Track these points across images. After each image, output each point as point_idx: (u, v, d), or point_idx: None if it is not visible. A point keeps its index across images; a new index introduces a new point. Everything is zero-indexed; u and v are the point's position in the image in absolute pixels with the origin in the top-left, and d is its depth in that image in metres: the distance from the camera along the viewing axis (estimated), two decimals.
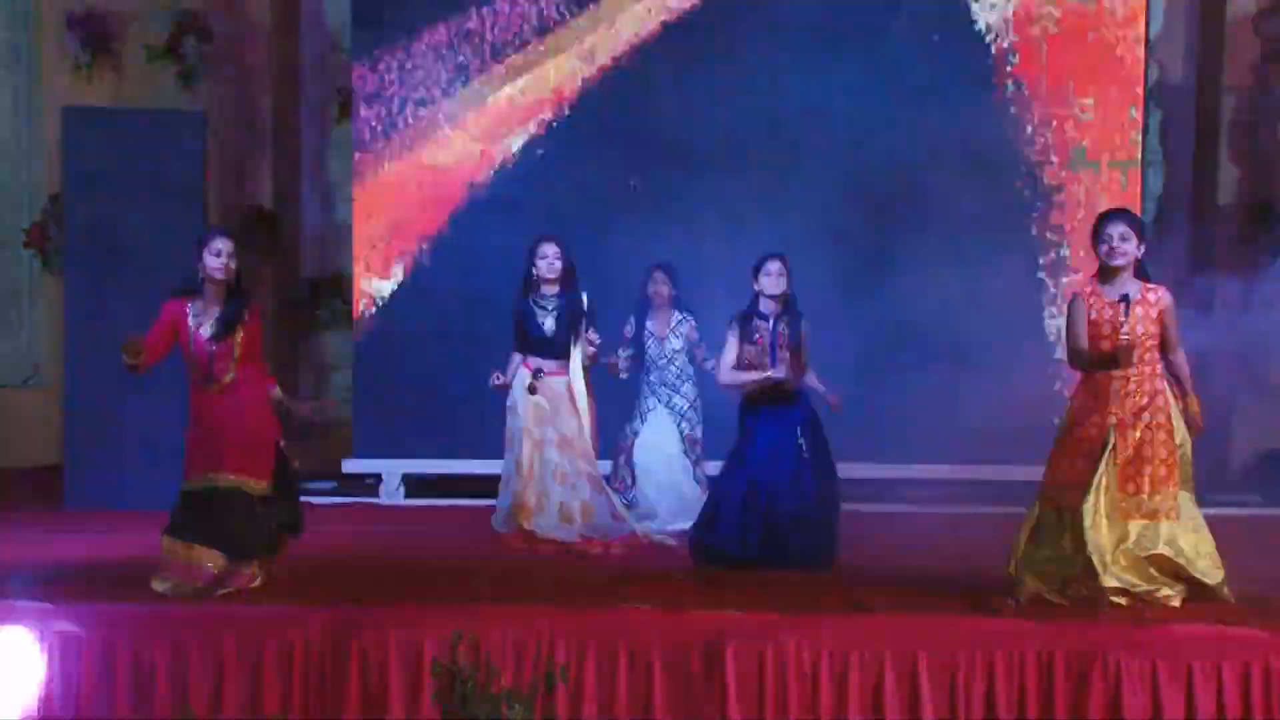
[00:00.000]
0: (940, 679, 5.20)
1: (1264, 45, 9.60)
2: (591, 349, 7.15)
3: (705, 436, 7.90)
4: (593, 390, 7.31)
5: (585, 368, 7.23)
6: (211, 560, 5.82)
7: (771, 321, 6.83)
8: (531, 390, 7.11)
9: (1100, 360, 5.77)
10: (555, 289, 7.14)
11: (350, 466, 9.29)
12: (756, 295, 6.88)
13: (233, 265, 6.00)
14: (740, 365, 6.82)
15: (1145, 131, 9.15)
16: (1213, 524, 8.03)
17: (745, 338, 6.84)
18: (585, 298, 7.18)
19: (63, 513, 8.19)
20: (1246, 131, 9.64)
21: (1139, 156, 9.13)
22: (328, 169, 10.20)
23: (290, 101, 10.29)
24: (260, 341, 6.12)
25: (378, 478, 9.15)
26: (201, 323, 5.97)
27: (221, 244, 6.00)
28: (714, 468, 7.30)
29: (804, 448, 6.69)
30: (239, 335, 5.95)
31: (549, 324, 7.15)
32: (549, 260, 7.08)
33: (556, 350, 7.17)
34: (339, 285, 9.90)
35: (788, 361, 6.75)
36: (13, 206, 10.20)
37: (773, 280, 6.82)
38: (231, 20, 9.92)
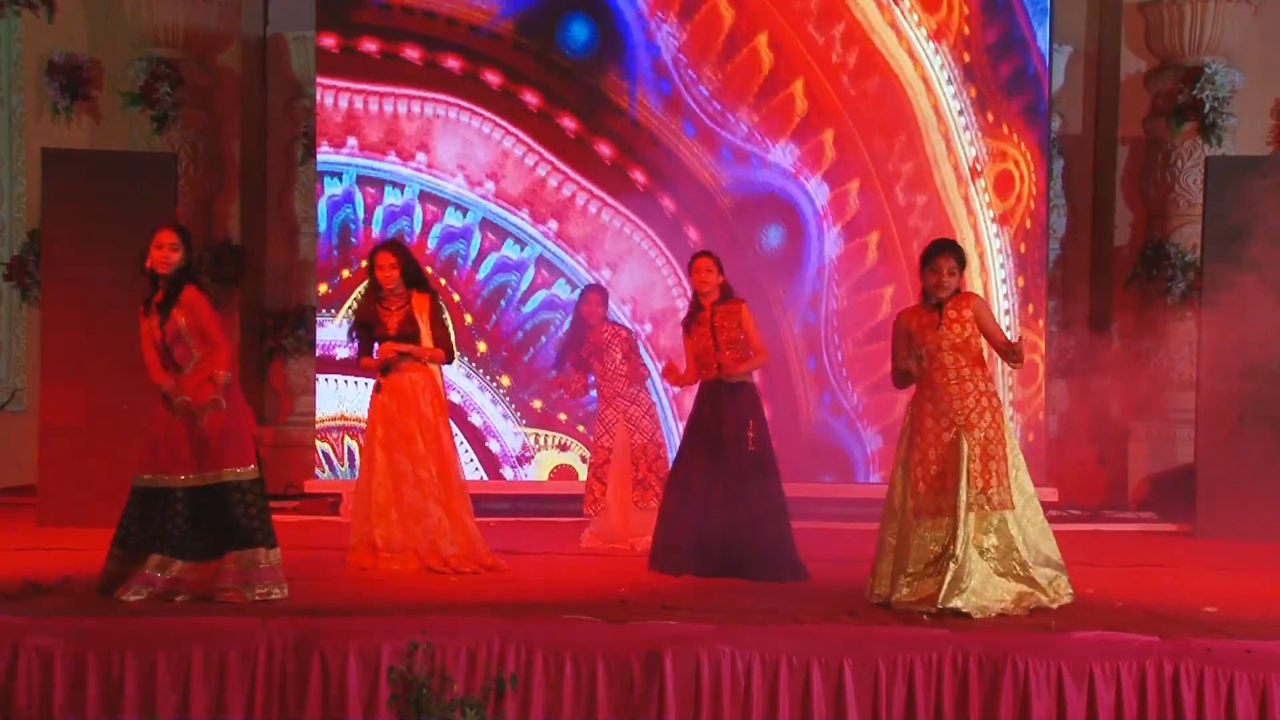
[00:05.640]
0: (864, 683, 5.19)
1: (1153, 101, 9.76)
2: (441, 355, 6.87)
3: None
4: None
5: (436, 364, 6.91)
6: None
7: (710, 312, 6.80)
8: (384, 370, 6.78)
9: (918, 372, 5.85)
10: (397, 292, 6.83)
11: (312, 486, 9.17)
12: (695, 293, 6.89)
13: (174, 256, 5.77)
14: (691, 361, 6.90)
15: (1049, 178, 9.24)
16: (1112, 539, 8.18)
17: (689, 333, 6.88)
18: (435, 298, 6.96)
19: (35, 530, 8.02)
20: (1139, 178, 9.79)
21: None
22: (292, 207, 10.09)
23: (257, 144, 10.20)
24: (210, 321, 5.82)
25: (338, 496, 9.04)
26: (153, 314, 5.80)
27: (163, 237, 5.78)
28: None
29: (731, 447, 6.66)
30: (180, 318, 5.74)
31: (392, 322, 6.82)
32: (385, 270, 6.84)
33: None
34: (302, 315, 9.80)
35: (734, 348, 6.71)
36: None
37: (701, 277, 6.82)
38: (203, 69, 9.85)
